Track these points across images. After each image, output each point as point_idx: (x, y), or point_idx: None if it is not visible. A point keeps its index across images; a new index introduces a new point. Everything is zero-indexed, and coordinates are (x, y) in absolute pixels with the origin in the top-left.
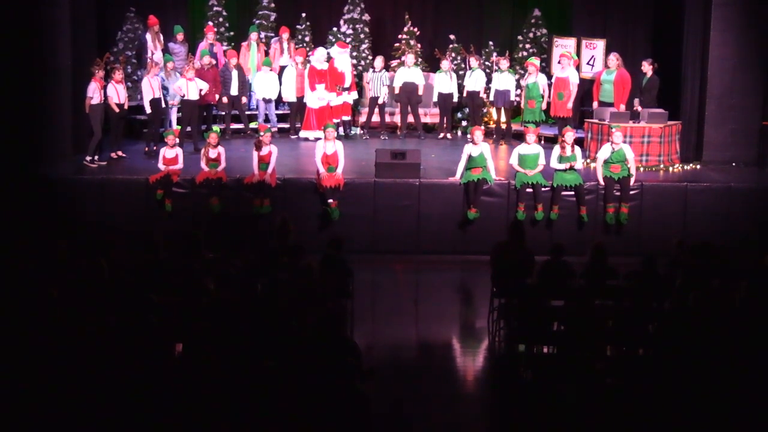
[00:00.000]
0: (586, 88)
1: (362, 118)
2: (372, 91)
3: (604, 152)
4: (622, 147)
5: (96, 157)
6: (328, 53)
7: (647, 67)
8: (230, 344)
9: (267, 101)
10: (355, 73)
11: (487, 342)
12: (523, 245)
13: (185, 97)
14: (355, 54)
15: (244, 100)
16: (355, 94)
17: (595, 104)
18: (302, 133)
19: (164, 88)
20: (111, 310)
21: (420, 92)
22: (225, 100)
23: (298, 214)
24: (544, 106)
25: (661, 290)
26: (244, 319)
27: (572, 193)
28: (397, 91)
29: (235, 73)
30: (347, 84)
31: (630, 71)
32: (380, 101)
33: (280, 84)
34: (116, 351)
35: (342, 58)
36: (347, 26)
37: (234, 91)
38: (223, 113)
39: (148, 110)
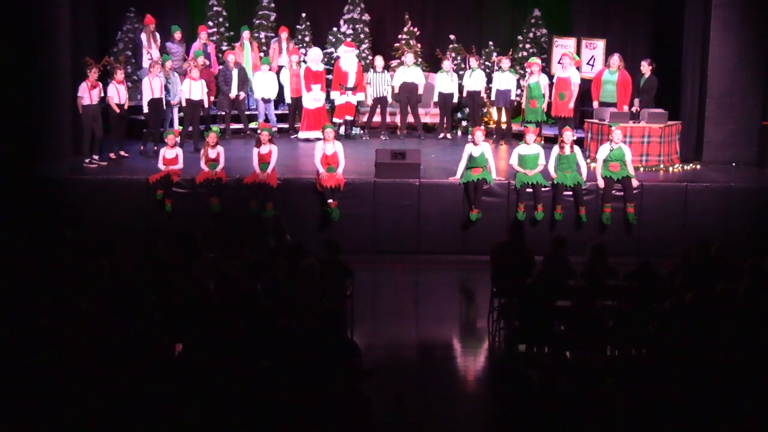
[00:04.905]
0: (586, 88)
1: (363, 118)
2: (375, 92)
3: (603, 151)
4: (621, 146)
5: (96, 157)
6: (330, 53)
7: (646, 68)
8: (230, 344)
9: (266, 101)
10: (362, 73)
11: (487, 342)
12: (523, 245)
13: (189, 97)
14: (355, 54)
15: (242, 95)
16: (361, 95)
17: (595, 104)
18: (301, 134)
19: (165, 88)
20: (111, 311)
21: (420, 92)
22: (232, 96)
23: (298, 214)
24: (545, 106)
25: (661, 290)
26: (244, 319)
27: (571, 192)
28: (396, 90)
29: (235, 72)
30: (350, 84)
31: (629, 71)
32: (383, 100)
33: (280, 83)
34: (116, 351)
35: (348, 58)
36: (347, 26)
37: (234, 90)
38: (223, 113)
39: (146, 110)
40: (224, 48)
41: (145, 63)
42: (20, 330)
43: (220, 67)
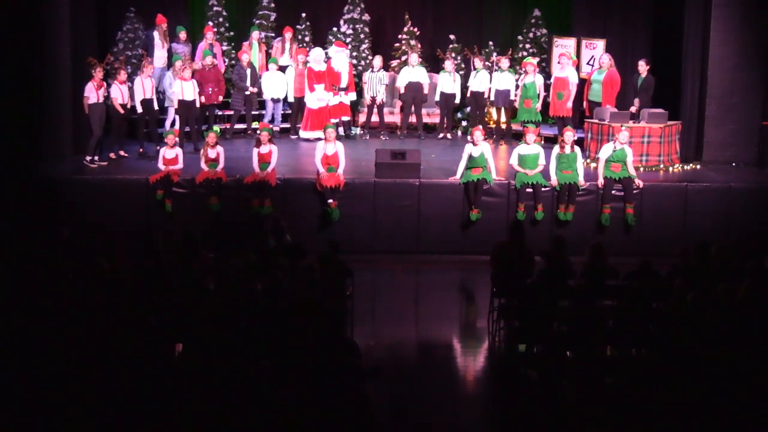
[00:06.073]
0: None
1: (362, 118)
2: (370, 91)
3: (606, 151)
4: (624, 147)
5: (96, 157)
6: (326, 53)
7: (643, 67)
8: (230, 344)
9: (275, 101)
10: (354, 73)
11: (487, 342)
12: (523, 245)
13: (181, 98)
14: (355, 54)
15: (254, 90)
16: (353, 95)
17: (584, 104)
18: (301, 134)
19: (160, 89)
20: (111, 311)
21: (425, 91)
22: (254, 89)
23: (298, 214)
24: (539, 106)
25: (661, 290)
26: (244, 319)
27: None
28: (402, 90)
29: (248, 72)
30: (343, 84)
31: (631, 71)
32: (378, 101)
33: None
34: (116, 351)
35: (339, 58)
36: (347, 26)
37: (251, 90)
38: (232, 112)
39: (139, 110)
40: (224, 48)
41: (158, 62)
42: (20, 330)
43: (224, 66)
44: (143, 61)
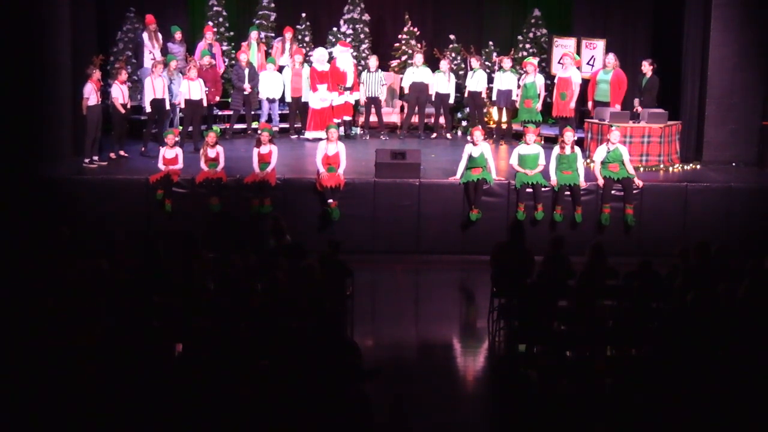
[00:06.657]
0: (586, 88)
1: (362, 118)
2: (368, 91)
3: (600, 153)
4: (618, 147)
5: (95, 158)
6: (330, 53)
7: (647, 67)
8: (230, 344)
9: (271, 101)
10: (357, 72)
11: (487, 342)
12: (523, 245)
13: (188, 97)
14: (355, 54)
15: (249, 89)
16: (357, 94)
17: (589, 104)
18: (307, 134)
19: (168, 89)
20: (111, 311)
21: (430, 92)
22: (249, 88)
23: (298, 214)
24: (539, 106)
25: (661, 290)
26: (244, 319)
27: (569, 192)
28: (406, 90)
29: (246, 72)
30: (349, 83)
31: (630, 71)
32: (382, 101)
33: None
34: (116, 351)
35: (344, 57)
36: (347, 26)
37: (247, 89)
38: (231, 112)
39: (148, 110)
40: (224, 48)
41: (147, 63)
42: (20, 330)
43: (224, 66)
44: (152, 61)
